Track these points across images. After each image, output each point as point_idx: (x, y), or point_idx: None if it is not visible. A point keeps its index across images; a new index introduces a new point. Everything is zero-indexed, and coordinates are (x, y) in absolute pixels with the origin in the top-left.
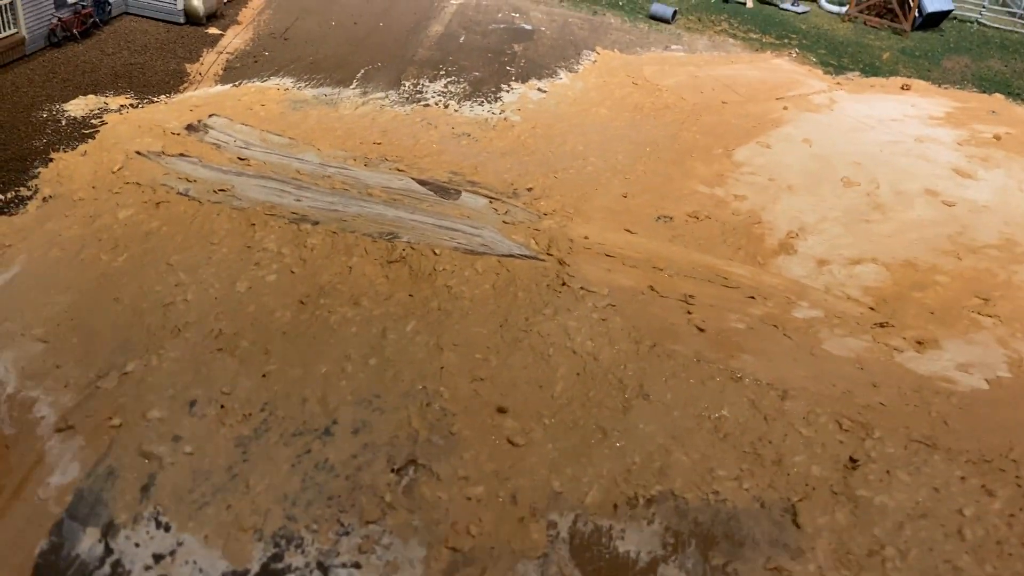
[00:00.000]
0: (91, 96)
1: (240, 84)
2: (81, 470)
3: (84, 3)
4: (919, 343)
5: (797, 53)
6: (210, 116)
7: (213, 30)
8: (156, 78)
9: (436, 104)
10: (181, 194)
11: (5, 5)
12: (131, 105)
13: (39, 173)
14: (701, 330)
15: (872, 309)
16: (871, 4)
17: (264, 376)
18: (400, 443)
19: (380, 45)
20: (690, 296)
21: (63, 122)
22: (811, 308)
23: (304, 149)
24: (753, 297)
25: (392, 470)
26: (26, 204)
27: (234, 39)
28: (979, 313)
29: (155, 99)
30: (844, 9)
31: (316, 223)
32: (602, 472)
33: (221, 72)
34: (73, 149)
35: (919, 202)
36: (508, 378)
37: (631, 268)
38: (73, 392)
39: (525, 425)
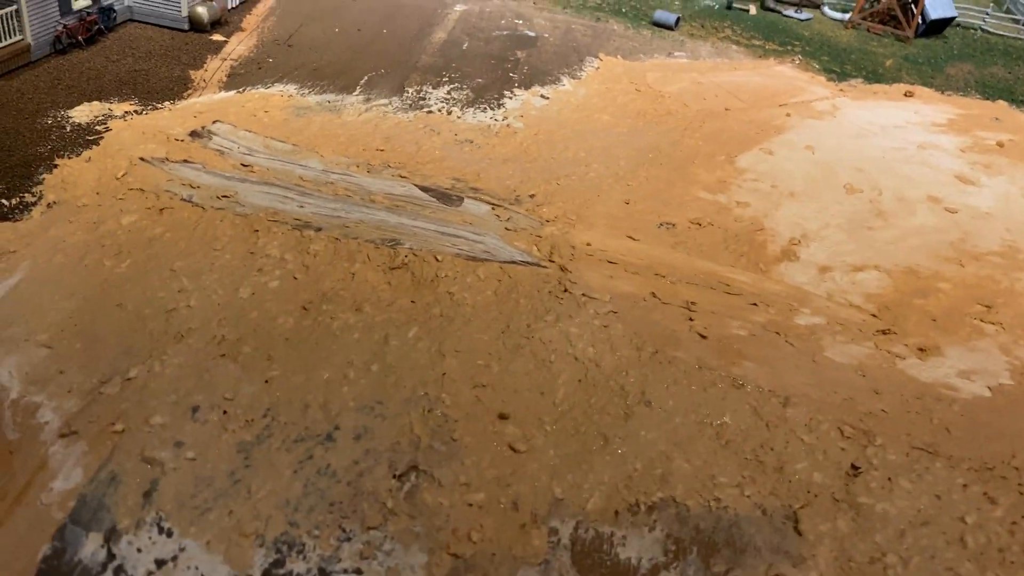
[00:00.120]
0: (96, 103)
1: (244, 91)
2: (84, 475)
3: (89, 10)
4: (921, 350)
5: (800, 60)
6: (214, 122)
7: (217, 37)
8: (160, 85)
9: (439, 111)
10: (185, 200)
11: (11, 12)
12: (135, 111)
13: (44, 179)
14: (703, 337)
15: (874, 316)
16: (874, 11)
17: (266, 382)
18: (402, 449)
19: (384, 51)
20: (692, 303)
21: (68, 128)
22: (813, 315)
23: (307, 156)
24: (755, 304)
25: (394, 476)
26: (31, 210)
27: (238, 46)
28: (981, 320)
29: (159, 105)
30: (847, 16)
31: (319, 229)
32: (603, 479)
33: (225, 79)
34: (77, 155)
35: (921, 209)
36: (510, 384)
37: (633, 275)
38: (76, 398)
39: (526, 431)
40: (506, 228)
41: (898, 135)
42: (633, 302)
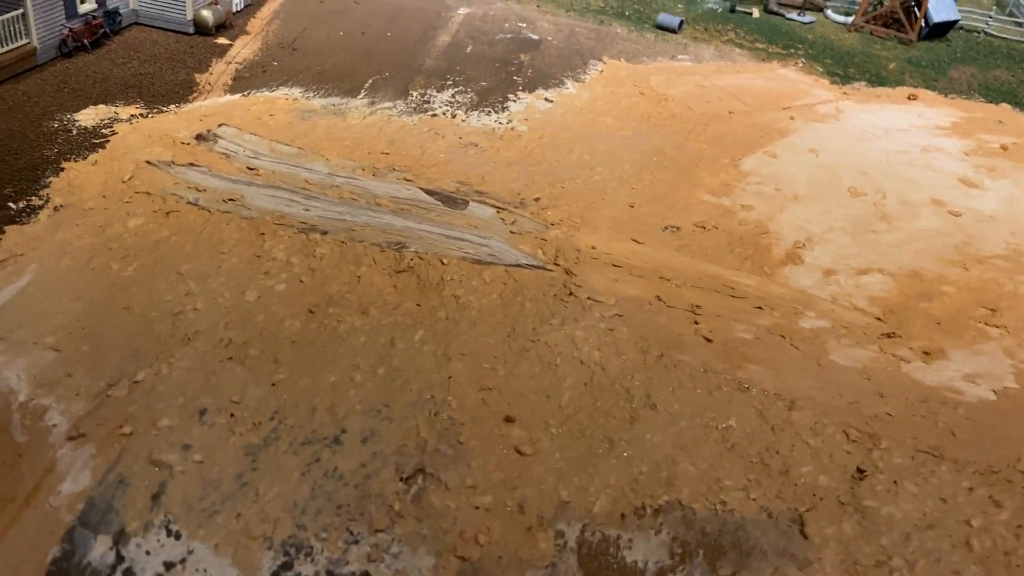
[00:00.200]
0: (101, 106)
1: (249, 94)
2: (92, 478)
3: (95, 14)
4: (926, 353)
5: (803, 63)
6: (219, 126)
7: (222, 40)
8: (166, 88)
9: (443, 114)
10: (191, 203)
11: (17, 16)
12: (141, 115)
13: (50, 182)
14: (708, 340)
15: (879, 319)
16: (878, 14)
17: (273, 385)
18: (409, 452)
19: (388, 55)
20: (697, 306)
21: (74, 132)
22: (818, 318)
23: (313, 159)
24: (760, 307)
25: (401, 479)
26: (38, 213)
27: (243, 49)
28: (986, 324)
29: (165, 109)
30: (850, 19)
31: (325, 233)
32: (609, 482)
33: (230, 82)
34: (84, 159)
35: (926, 212)
36: (516, 388)
37: (638, 278)
38: (84, 400)
39: (532, 434)
40: (511, 231)
41: (902, 138)
42: (638, 305)
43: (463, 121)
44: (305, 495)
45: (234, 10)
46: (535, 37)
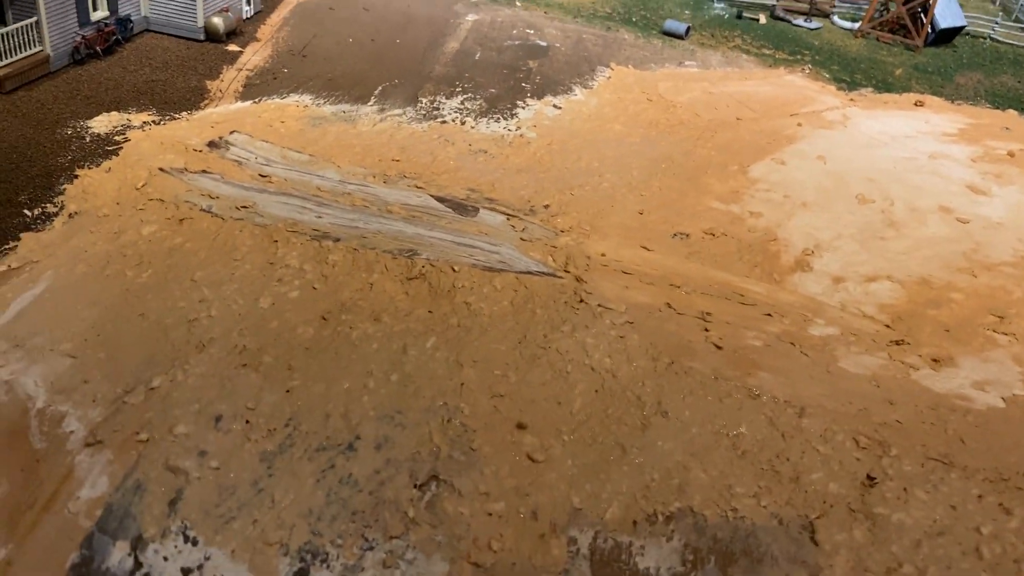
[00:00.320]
0: (114, 113)
1: (260, 101)
2: (110, 484)
3: (107, 21)
4: (935, 361)
5: (810, 69)
6: (231, 133)
7: (233, 47)
8: (177, 95)
9: (453, 121)
10: (204, 211)
11: (31, 24)
12: (153, 122)
13: (65, 189)
14: (718, 347)
15: (888, 327)
16: (884, 20)
17: (288, 391)
18: (422, 459)
19: (397, 62)
20: (707, 313)
21: (87, 139)
22: (827, 325)
23: (324, 166)
24: (770, 314)
25: (415, 485)
26: (52, 220)
27: (253, 56)
28: (994, 331)
29: (177, 116)
30: (857, 25)
31: (337, 240)
32: (621, 488)
33: (241, 89)
34: (97, 166)
35: (933, 219)
36: (527, 394)
37: (648, 285)
38: (101, 407)
39: (544, 441)
40: (521, 238)
41: (909, 145)
42: (648, 312)
43: (472, 128)
44: (320, 501)
45: (244, 17)
46: (543, 44)
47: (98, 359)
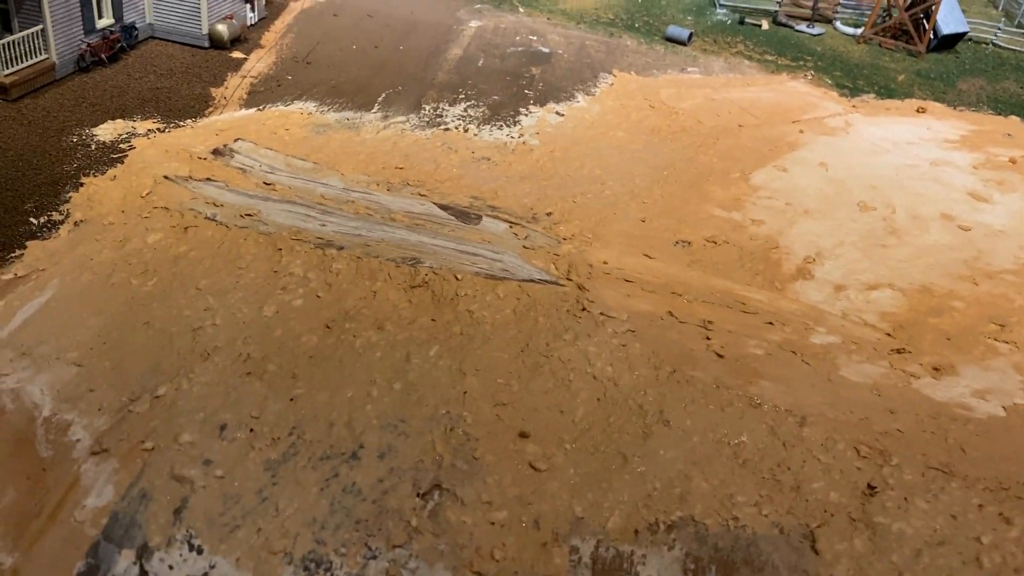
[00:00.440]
0: (119, 120)
1: (264, 108)
2: (116, 493)
3: (112, 28)
4: (936, 369)
5: (812, 75)
6: (235, 140)
7: (237, 54)
8: (182, 102)
9: (456, 128)
10: (209, 219)
11: (36, 32)
12: (158, 129)
13: (70, 197)
14: (720, 356)
15: (889, 335)
16: (886, 26)
17: (292, 400)
18: (425, 467)
19: (400, 69)
20: (709, 322)
21: (92, 146)
22: (828, 334)
23: (328, 174)
24: (771, 323)
25: (418, 494)
26: (58, 228)
27: (257, 63)
28: (995, 339)
29: (181, 123)
30: (859, 31)
31: (341, 248)
32: (623, 497)
33: (245, 96)
34: (103, 174)
35: (935, 226)
36: (529, 403)
37: (650, 293)
38: (107, 415)
39: (547, 450)
40: (524, 246)
41: (911, 152)
42: (650, 321)
43: (475, 135)
44: (324, 510)
45: (248, 24)
46: (546, 50)
47: (104, 367)
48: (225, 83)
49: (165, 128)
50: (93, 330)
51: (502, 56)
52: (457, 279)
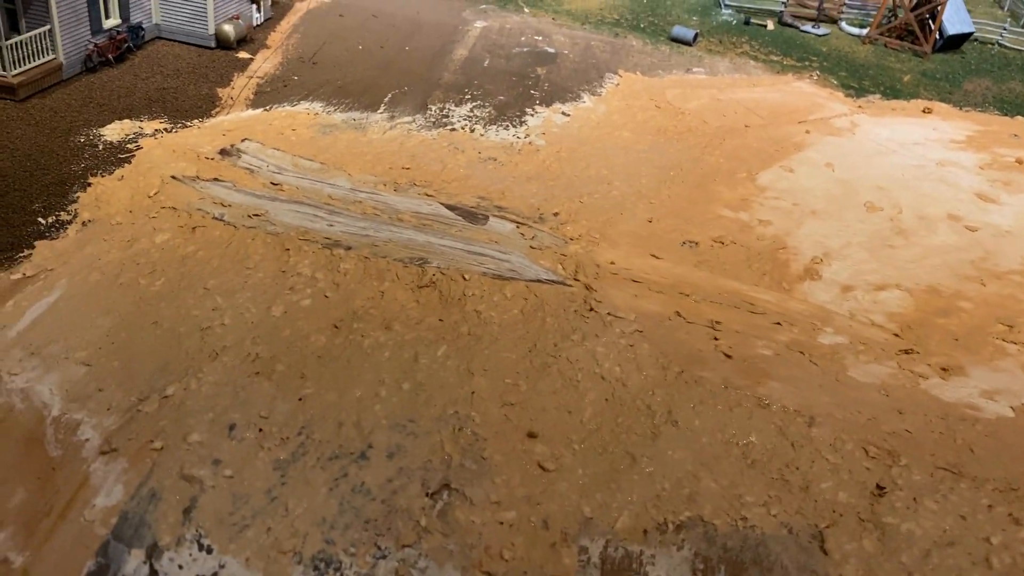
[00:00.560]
0: (126, 121)
1: (271, 108)
2: (125, 492)
3: (119, 29)
4: (944, 370)
5: (818, 76)
6: (243, 141)
7: (243, 54)
8: (189, 102)
9: (462, 128)
10: (216, 219)
11: (44, 32)
12: (165, 129)
13: (78, 197)
14: (728, 356)
15: (896, 335)
16: (892, 26)
17: (300, 400)
18: (434, 467)
19: (406, 69)
20: (717, 322)
21: (100, 147)
22: (836, 334)
23: (335, 174)
24: (779, 323)
25: (427, 494)
26: (66, 228)
27: (264, 63)
28: (1003, 340)
29: (188, 123)
30: (864, 31)
31: (349, 248)
32: (632, 498)
33: (252, 96)
34: (110, 174)
35: (942, 227)
36: (538, 403)
37: (657, 294)
38: (116, 415)
39: (555, 450)
40: (531, 246)
41: (917, 152)
42: (658, 321)
43: (482, 135)
44: (333, 510)
45: (255, 24)
46: (551, 51)
47: (112, 367)
48: (232, 83)
49: (172, 128)
50: (102, 330)
51: (508, 56)
52: (465, 279)
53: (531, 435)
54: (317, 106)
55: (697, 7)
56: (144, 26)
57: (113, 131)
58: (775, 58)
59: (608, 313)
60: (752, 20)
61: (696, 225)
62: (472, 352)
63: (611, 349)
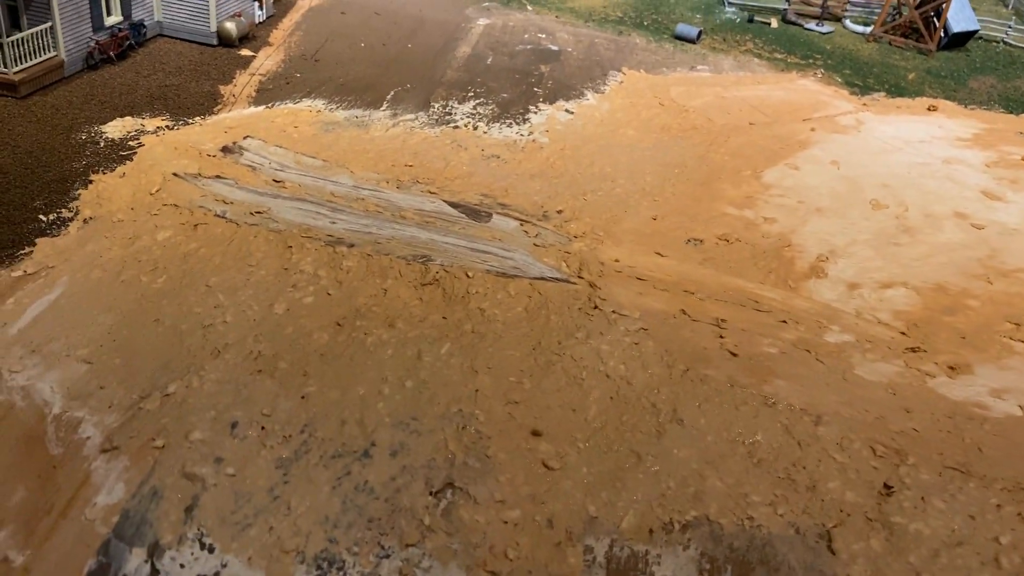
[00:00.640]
0: (128, 118)
1: (273, 106)
2: (126, 490)
3: (121, 26)
4: (951, 368)
5: (822, 73)
6: (245, 138)
7: (245, 52)
8: (191, 100)
9: (465, 126)
10: (218, 216)
11: (45, 29)
12: (167, 127)
13: (79, 194)
14: (734, 354)
15: (903, 334)
16: (896, 24)
17: (303, 398)
18: (438, 466)
19: (409, 67)
20: (722, 320)
21: (102, 144)
22: (843, 332)
23: (337, 171)
24: (785, 321)
25: (430, 493)
26: (67, 225)
27: (266, 61)
28: (1011, 338)
29: (190, 121)
30: (869, 29)
31: (351, 245)
32: (637, 497)
33: (254, 94)
34: (112, 171)
35: (948, 225)
36: (542, 401)
37: (662, 291)
38: (117, 413)
39: (560, 449)
40: (535, 244)
41: (923, 150)
42: (663, 319)
43: (485, 133)
44: (336, 509)
45: (257, 22)
46: (554, 48)
47: (114, 365)
48: (234, 81)
49: (174, 125)
50: (103, 327)
51: (511, 54)
52: (468, 277)
53: (535, 433)
54: (319, 103)
55: (700, 5)
56: (146, 23)
57: (115, 128)
58: (779, 56)
59: (612, 311)
60: (756, 18)
61: (701, 223)
62: (476, 350)
63: (616, 347)
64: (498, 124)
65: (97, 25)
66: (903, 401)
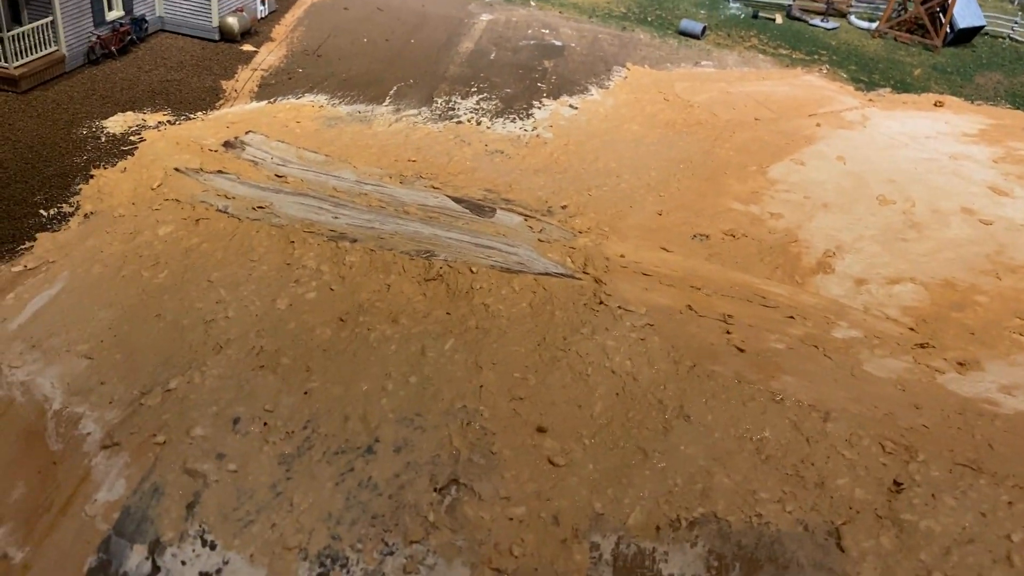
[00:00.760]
0: (129, 113)
1: (275, 101)
2: (127, 487)
3: (122, 21)
4: (961, 364)
5: (828, 69)
6: (247, 133)
7: (247, 47)
8: (192, 95)
9: (469, 121)
10: (220, 211)
11: (46, 23)
12: (169, 122)
13: (80, 189)
14: (741, 350)
15: (912, 329)
16: (902, 20)
17: (306, 393)
18: (442, 462)
19: (412, 62)
20: (729, 316)
21: (103, 139)
22: (851, 328)
23: (340, 166)
24: (792, 317)
25: (435, 489)
26: (68, 220)
27: (268, 56)
28: (1020, 334)
29: (192, 116)
30: (874, 25)
31: (354, 241)
32: (643, 493)
33: (256, 89)
34: (113, 166)
35: (956, 220)
36: (547, 398)
37: (668, 287)
38: (118, 409)
39: (565, 445)
40: (539, 239)
41: (929, 145)
42: (669, 315)
43: (488, 128)
44: (340, 505)
45: (259, 17)
46: (558, 43)
47: (115, 360)
48: (236, 76)
49: (176, 120)
50: (104, 322)
51: (514, 49)
52: (472, 272)
53: (540, 429)
54: (322, 99)
55: (705, 1)
56: (147, 18)
57: (116, 123)
58: (784, 52)
59: (618, 306)
60: (760, 14)
61: (707, 218)
62: (480, 346)
63: (621, 343)
64: (502, 119)
65: (98, 20)
66: (912, 397)
